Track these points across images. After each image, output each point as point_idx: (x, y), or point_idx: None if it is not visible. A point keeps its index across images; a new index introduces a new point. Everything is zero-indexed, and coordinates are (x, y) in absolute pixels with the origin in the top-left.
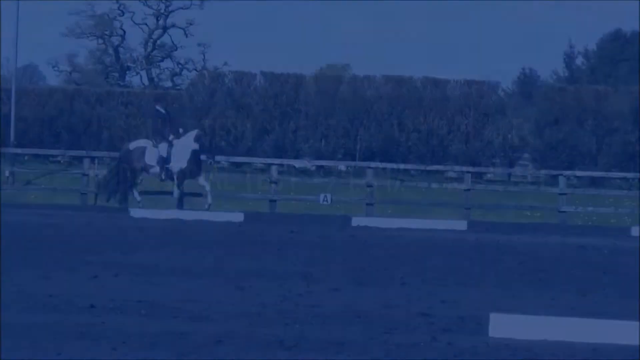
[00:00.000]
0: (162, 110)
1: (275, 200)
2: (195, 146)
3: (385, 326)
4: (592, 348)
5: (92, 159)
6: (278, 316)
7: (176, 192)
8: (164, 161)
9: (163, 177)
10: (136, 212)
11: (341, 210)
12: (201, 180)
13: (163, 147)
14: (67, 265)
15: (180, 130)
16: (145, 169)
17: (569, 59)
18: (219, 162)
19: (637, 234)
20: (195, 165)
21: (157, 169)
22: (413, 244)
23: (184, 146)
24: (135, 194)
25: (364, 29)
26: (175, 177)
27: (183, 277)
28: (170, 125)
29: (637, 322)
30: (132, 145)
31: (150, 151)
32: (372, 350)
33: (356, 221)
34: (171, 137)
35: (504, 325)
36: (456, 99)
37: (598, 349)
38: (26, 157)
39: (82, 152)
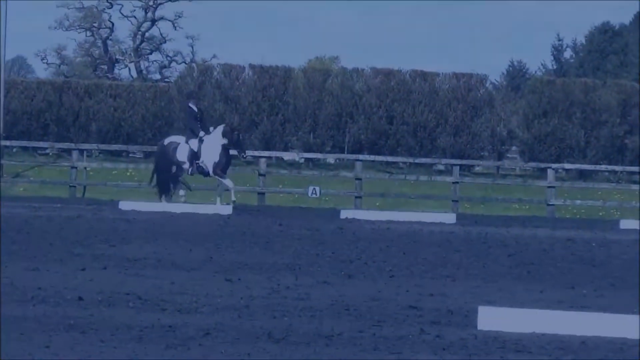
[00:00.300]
0: (194, 107)
1: (263, 193)
2: (224, 141)
3: (374, 319)
4: (580, 341)
5: (81, 151)
6: (266, 309)
7: (229, 184)
8: (194, 157)
9: (190, 172)
10: (125, 205)
11: (330, 203)
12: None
13: (194, 143)
14: (55, 257)
15: (211, 128)
16: (178, 164)
17: (557, 51)
18: (247, 156)
19: (626, 227)
20: (227, 160)
21: (187, 164)
22: (401, 237)
23: (214, 142)
24: (181, 191)
25: (353, 21)
26: (212, 172)
27: (171, 270)
28: (202, 121)
29: (624, 315)
30: (167, 140)
31: (183, 147)
32: (360, 343)
33: (345, 214)
34: (202, 133)
35: (493, 318)
36: (445, 92)
37: (586, 342)
38: (15, 150)
39: (71, 145)
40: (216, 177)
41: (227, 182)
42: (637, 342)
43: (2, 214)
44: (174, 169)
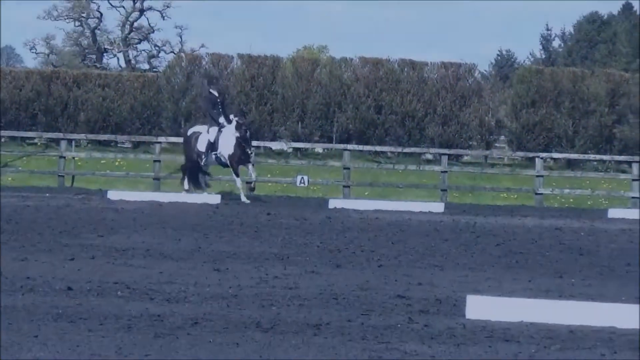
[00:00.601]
0: (215, 93)
1: (251, 182)
2: (237, 133)
3: (362, 308)
4: (568, 330)
5: (69, 141)
6: (255, 298)
7: (237, 182)
8: (210, 147)
9: (203, 162)
10: (113, 194)
11: (318, 192)
12: (250, 167)
13: (212, 132)
14: (44, 247)
15: (231, 116)
16: (199, 155)
17: (545, 41)
18: (252, 152)
19: (614, 216)
20: (241, 153)
21: (204, 154)
22: (390, 226)
23: (230, 134)
24: (202, 181)
25: (341, 10)
26: (229, 163)
27: (160, 259)
28: (223, 108)
29: (613, 304)
30: (190, 130)
31: (204, 137)
32: (349, 332)
33: (333, 203)
34: (222, 120)
35: (481, 307)
36: (433, 82)
37: (575, 331)
38: (3, 140)
39: (59, 135)
40: (230, 168)
41: (238, 181)
42: (625, 331)
43: None
44: (194, 159)
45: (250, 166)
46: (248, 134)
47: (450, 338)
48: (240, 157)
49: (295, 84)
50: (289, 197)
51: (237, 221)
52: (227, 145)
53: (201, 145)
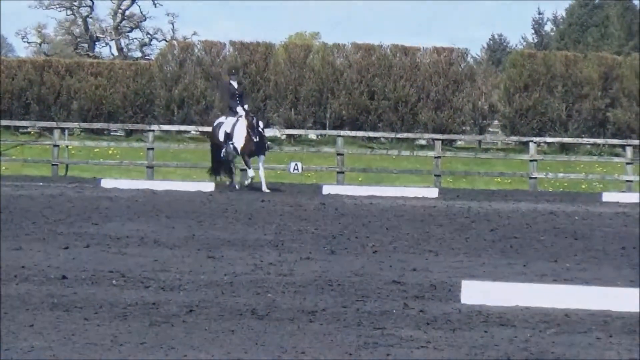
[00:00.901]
0: (235, 84)
1: (245, 170)
2: (245, 122)
3: (358, 294)
4: (564, 314)
5: (63, 130)
6: (250, 285)
7: (249, 172)
8: (227, 137)
9: (223, 153)
10: (107, 183)
11: (312, 179)
12: (260, 164)
13: (229, 123)
14: (38, 236)
15: (246, 106)
16: (220, 145)
17: (538, 25)
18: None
19: (608, 200)
20: (253, 144)
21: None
22: (384, 212)
23: (242, 125)
24: (250, 171)
25: None
26: (240, 155)
27: (154, 247)
28: (242, 98)
29: (607, 288)
30: (216, 121)
31: (223, 127)
32: (344, 318)
33: (327, 189)
34: (240, 110)
35: (476, 292)
36: (426, 67)
37: (570, 315)
38: None
39: (53, 123)
40: (242, 160)
41: (250, 171)
42: (620, 315)
43: None
44: (217, 149)
45: (261, 163)
46: (254, 121)
47: (445, 323)
48: (251, 148)
49: (288, 71)
50: (282, 183)
51: (232, 208)
52: (239, 136)
53: (221, 136)
